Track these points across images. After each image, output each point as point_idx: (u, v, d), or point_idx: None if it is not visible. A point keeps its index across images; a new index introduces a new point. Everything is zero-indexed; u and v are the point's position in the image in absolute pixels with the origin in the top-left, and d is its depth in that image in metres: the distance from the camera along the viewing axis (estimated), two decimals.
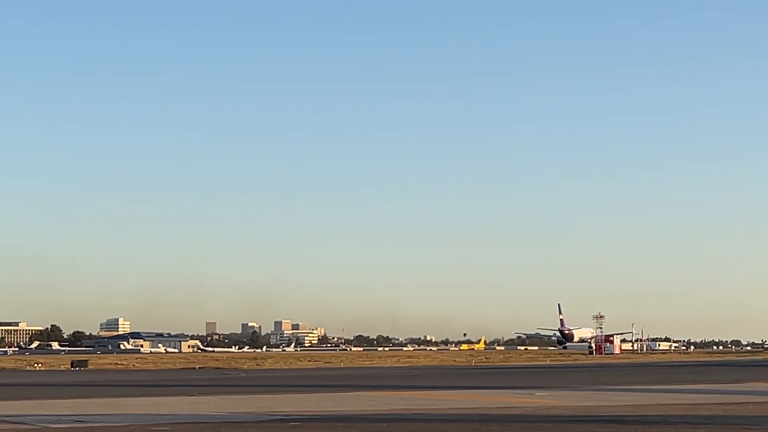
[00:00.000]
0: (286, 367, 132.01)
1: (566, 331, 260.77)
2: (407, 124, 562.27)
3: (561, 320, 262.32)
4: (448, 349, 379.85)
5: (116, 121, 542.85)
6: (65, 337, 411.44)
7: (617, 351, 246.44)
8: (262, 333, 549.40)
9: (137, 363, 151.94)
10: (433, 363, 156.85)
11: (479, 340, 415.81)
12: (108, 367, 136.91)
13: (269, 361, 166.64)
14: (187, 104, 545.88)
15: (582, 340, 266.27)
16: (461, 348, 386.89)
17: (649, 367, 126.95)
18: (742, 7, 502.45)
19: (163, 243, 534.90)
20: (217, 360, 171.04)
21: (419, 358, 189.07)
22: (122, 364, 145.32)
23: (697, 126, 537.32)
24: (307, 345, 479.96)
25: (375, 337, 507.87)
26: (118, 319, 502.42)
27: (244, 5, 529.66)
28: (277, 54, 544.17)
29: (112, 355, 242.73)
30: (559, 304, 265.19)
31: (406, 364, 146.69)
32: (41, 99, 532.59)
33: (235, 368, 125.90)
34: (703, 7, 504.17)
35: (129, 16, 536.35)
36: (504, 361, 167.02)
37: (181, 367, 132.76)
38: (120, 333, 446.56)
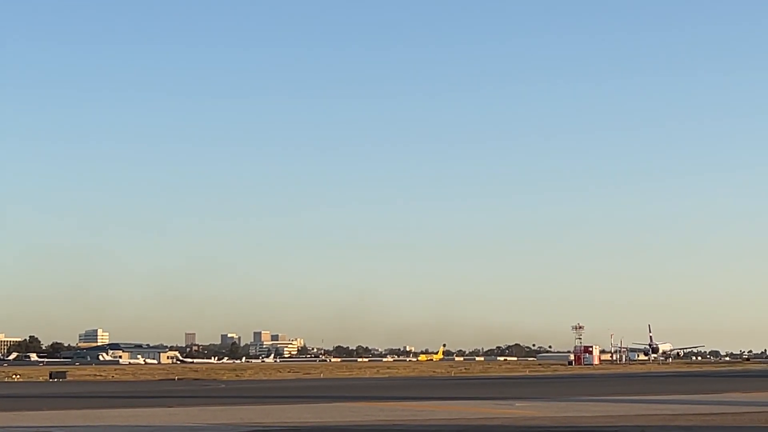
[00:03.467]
0: (265, 378, 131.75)
1: (654, 346, 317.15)
2: (390, 135, 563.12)
3: (650, 337, 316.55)
4: (405, 360, 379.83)
5: (114, 127, 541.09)
6: (44, 348, 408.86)
7: (596, 362, 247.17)
8: (242, 344, 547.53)
9: (116, 374, 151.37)
10: (412, 374, 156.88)
11: (437, 351, 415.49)
12: (86, 378, 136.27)
13: (248, 372, 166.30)
14: (176, 112, 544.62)
15: (663, 352, 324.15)
16: (419, 359, 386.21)
17: (628, 377, 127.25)
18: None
19: (143, 253, 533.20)
20: (197, 371, 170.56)
21: (399, 369, 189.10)
22: (101, 376, 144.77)
23: (679, 141, 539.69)
24: (286, 356, 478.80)
25: (354, 348, 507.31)
26: (96, 330, 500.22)
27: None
28: (281, 67, 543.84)
29: (90, 366, 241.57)
30: (649, 325, 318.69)
31: (386, 375, 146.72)
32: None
33: (215, 379, 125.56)
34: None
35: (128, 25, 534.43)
36: (483, 372, 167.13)
37: (160, 378, 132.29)
38: (99, 344, 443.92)
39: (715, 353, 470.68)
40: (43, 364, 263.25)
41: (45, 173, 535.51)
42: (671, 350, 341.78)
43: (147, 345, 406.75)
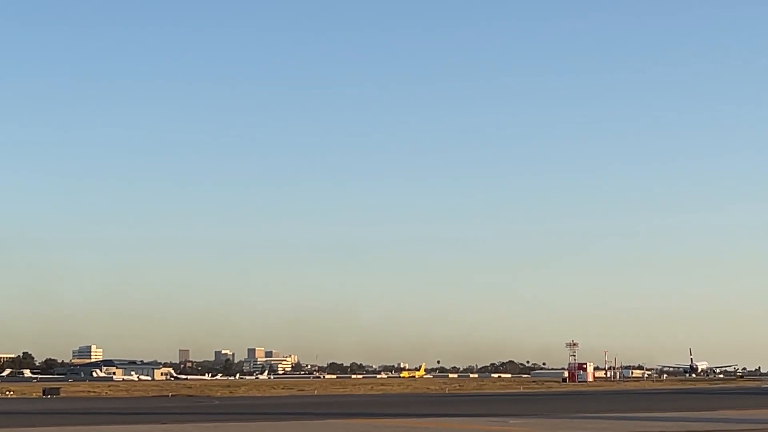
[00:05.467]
0: (259, 395, 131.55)
1: (693, 365, 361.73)
2: (383, 149, 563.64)
3: (691, 358, 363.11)
4: (399, 377, 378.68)
5: (104, 135, 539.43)
6: (37, 364, 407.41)
7: (590, 379, 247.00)
8: (236, 360, 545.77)
9: (110, 391, 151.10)
10: (406, 390, 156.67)
11: (419, 367, 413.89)
12: (80, 394, 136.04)
13: (242, 388, 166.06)
14: (167, 117, 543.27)
15: (702, 370, 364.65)
16: (402, 375, 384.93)
17: (622, 394, 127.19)
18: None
19: (135, 269, 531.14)
20: (190, 388, 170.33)
21: (393, 386, 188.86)
22: (94, 392, 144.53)
23: (672, 154, 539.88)
24: (280, 372, 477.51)
25: (348, 365, 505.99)
26: (90, 347, 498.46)
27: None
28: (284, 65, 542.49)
29: (84, 382, 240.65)
30: (690, 348, 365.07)
31: (380, 392, 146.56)
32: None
33: (208, 396, 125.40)
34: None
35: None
36: (477, 389, 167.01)
37: (154, 394, 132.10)
38: (92, 360, 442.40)
39: (711, 371, 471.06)
40: (37, 381, 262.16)
41: (42, 182, 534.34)
42: (708, 368, 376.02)
43: (141, 361, 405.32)
